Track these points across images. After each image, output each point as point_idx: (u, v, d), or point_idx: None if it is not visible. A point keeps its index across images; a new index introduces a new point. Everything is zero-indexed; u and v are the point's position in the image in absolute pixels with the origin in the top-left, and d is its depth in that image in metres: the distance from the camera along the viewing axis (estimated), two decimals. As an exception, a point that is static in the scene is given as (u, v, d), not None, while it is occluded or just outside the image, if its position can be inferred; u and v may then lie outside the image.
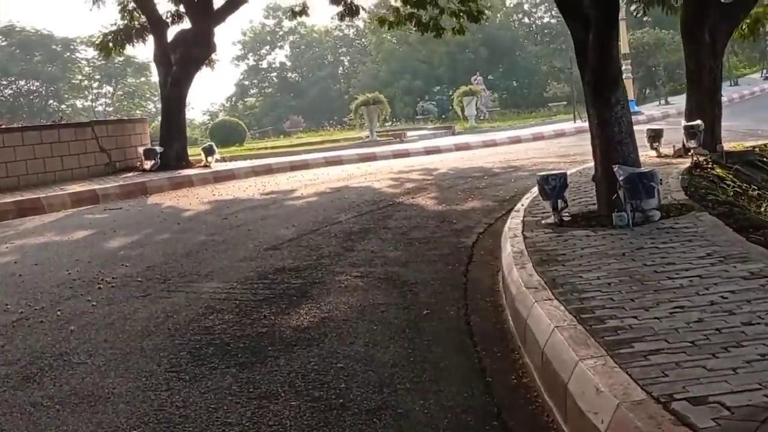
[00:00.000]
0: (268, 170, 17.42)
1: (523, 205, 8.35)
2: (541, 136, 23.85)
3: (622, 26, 28.90)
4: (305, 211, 10.60)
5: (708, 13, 11.26)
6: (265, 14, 66.63)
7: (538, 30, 55.45)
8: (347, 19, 20.11)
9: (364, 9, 20.03)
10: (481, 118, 32.47)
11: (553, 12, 55.10)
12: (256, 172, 17.09)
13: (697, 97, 11.48)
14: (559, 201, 6.96)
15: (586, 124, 28.41)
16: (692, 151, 11.02)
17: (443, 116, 41.06)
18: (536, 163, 14.94)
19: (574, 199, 8.31)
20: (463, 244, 7.74)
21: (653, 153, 12.00)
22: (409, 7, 18.96)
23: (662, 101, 31.48)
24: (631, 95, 28.57)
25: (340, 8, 19.40)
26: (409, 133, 28.02)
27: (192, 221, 10.42)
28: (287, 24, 66.01)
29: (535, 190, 9.47)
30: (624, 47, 28.66)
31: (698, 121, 11.06)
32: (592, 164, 12.60)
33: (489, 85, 37.46)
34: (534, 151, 18.52)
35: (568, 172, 11.49)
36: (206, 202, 12.43)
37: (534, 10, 56.49)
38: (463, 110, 30.06)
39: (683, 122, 11.33)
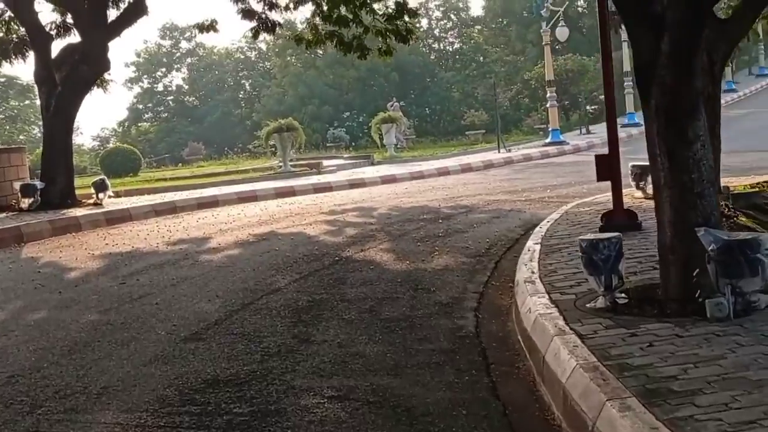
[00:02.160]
0: (172, 209, 14.88)
1: (532, 272, 6.25)
2: (470, 168, 22.10)
3: (546, 51, 27.77)
4: (228, 271, 8.26)
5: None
6: (161, 34, 63.10)
7: (449, 56, 54.14)
8: (262, 35, 17.79)
9: (280, 25, 17.76)
10: (398, 146, 30.56)
11: (464, 38, 54.06)
12: (157, 211, 14.53)
13: (695, 128, 9.69)
14: (613, 276, 4.93)
15: (512, 154, 26.94)
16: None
17: (353, 144, 39.06)
18: (488, 201, 13.03)
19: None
20: (463, 331, 5.64)
21: (640, 194, 10.24)
22: (329, 24, 16.97)
23: (583, 130, 30.32)
24: (555, 124, 27.37)
25: (254, 24, 17.08)
26: (325, 163, 25.80)
27: (78, 288, 7.91)
28: (185, 45, 63.00)
29: (532, 245, 7.52)
30: (549, 73, 27.45)
31: (699, 157, 9.33)
32: (571, 205, 10.80)
33: (401, 112, 35.64)
34: (474, 185, 16.63)
35: (550, 218, 9.62)
36: (97, 256, 9.89)
37: (444, 35, 55.22)
38: (381, 138, 28.05)
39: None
